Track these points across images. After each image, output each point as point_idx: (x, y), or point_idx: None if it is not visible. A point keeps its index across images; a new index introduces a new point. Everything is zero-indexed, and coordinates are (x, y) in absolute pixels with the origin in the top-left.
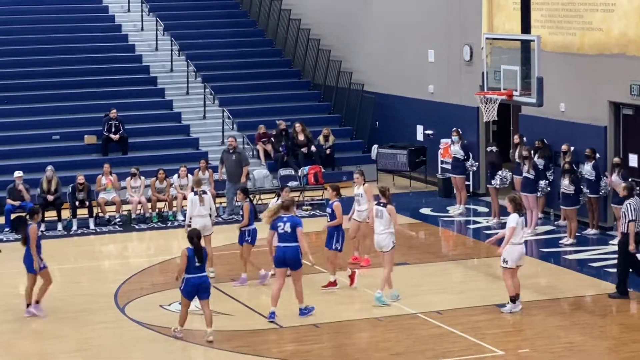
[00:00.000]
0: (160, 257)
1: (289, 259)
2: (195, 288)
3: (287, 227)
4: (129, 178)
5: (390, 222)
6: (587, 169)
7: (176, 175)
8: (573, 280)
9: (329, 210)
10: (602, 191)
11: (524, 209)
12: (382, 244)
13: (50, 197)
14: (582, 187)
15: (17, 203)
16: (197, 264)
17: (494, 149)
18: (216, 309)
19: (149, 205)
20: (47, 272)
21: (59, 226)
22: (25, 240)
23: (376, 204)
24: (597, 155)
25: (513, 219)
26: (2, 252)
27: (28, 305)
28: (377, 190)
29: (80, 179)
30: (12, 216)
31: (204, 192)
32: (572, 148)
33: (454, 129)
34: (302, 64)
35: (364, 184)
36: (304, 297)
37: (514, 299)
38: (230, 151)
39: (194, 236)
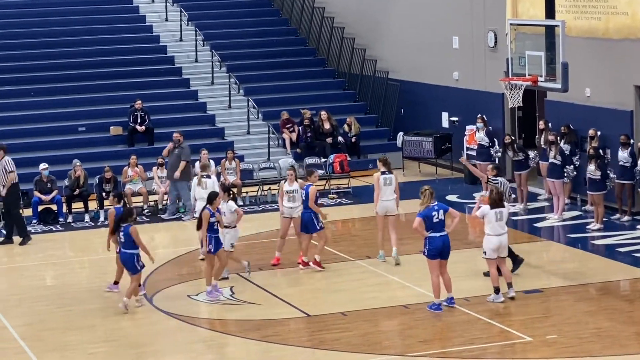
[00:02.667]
0: (187, 247)
1: (447, 247)
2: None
3: (441, 215)
4: (156, 168)
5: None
6: (623, 156)
7: (197, 162)
8: (601, 265)
9: (303, 193)
10: (638, 177)
11: (504, 201)
12: (391, 208)
13: (76, 192)
14: (608, 172)
15: (47, 198)
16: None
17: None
18: (245, 299)
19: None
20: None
21: (86, 217)
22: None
23: (381, 173)
24: (632, 141)
25: (482, 210)
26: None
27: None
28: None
29: (108, 174)
30: (40, 208)
31: (208, 176)
32: (598, 133)
33: (479, 115)
34: (326, 53)
35: (297, 180)
36: None
37: (497, 289)
38: (175, 145)
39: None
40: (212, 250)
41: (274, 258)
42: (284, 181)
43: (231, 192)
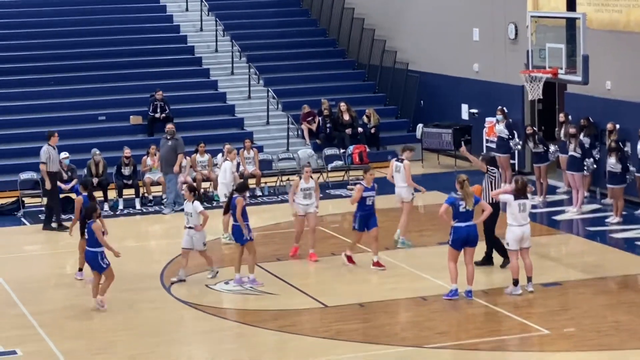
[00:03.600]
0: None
1: (472, 237)
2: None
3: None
4: (180, 159)
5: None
6: None
7: (220, 155)
8: (619, 259)
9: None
10: None
11: (529, 192)
12: (404, 195)
13: (95, 180)
14: (628, 165)
15: (67, 187)
16: None
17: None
18: (262, 289)
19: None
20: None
21: (106, 206)
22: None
23: (395, 160)
24: None
25: (506, 196)
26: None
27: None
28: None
29: (127, 152)
30: (60, 197)
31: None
32: (617, 126)
33: (499, 107)
34: (346, 44)
35: (312, 177)
36: None
37: (516, 282)
38: (168, 137)
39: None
40: (250, 238)
41: (294, 249)
42: (298, 178)
43: (196, 192)
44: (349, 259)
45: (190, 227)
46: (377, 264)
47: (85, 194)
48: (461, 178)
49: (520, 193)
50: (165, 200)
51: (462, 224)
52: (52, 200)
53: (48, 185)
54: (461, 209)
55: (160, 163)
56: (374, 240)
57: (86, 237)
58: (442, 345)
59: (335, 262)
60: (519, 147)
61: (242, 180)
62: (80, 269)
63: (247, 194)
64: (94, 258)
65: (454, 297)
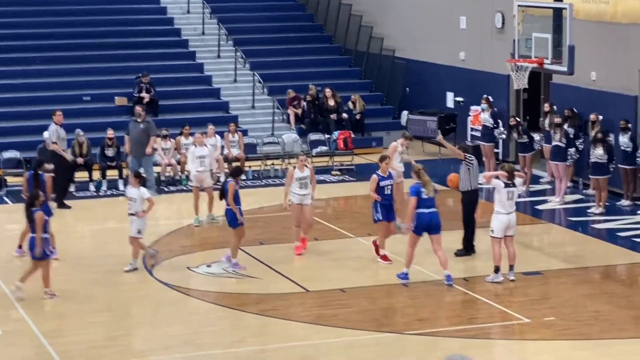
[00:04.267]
0: (188, 219)
1: (435, 223)
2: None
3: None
4: (160, 139)
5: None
6: (624, 141)
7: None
8: (601, 249)
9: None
10: (638, 161)
11: (518, 178)
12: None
13: (80, 160)
14: (614, 156)
15: (51, 167)
16: None
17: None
18: (245, 272)
19: (179, 167)
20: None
21: (91, 187)
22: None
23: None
24: (630, 125)
25: (497, 181)
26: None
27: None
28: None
29: (110, 133)
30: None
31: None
32: (600, 117)
33: (484, 96)
34: (333, 29)
35: (307, 166)
36: None
37: (497, 269)
38: (138, 120)
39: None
40: (242, 222)
41: (296, 248)
42: (293, 167)
43: (142, 178)
44: (384, 257)
45: (132, 214)
46: (384, 257)
47: (32, 171)
48: (416, 168)
49: (508, 179)
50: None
51: (426, 210)
52: (59, 178)
53: (69, 158)
54: (423, 196)
55: (132, 145)
56: (390, 233)
57: (30, 223)
58: (422, 332)
59: (317, 248)
60: (504, 136)
61: (235, 164)
62: (20, 246)
63: (241, 178)
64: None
65: (405, 280)
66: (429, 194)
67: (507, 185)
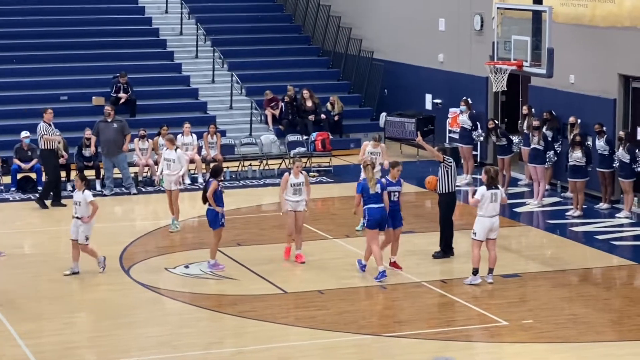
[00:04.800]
0: (165, 220)
1: (385, 217)
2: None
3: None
4: (137, 140)
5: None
6: (600, 145)
7: (180, 135)
8: (579, 252)
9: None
10: (614, 165)
11: (498, 183)
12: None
13: (62, 161)
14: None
15: (27, 166)
16: None
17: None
18: (222, 273)
19: (156, 168)
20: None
21: (68, 186)
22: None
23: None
24: (604, 128)
25: (479, 191)
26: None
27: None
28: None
29: (88, 133)
30: (19, 176)
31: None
32: (579, 120)
33: (463, 98)
34: (312, 30)
35: (302, 172)
36: None
37: (475, 271)
38: (109, 120)
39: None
40: (222, 224)
41: (295, 255)
42: (288, 173)
43: (87, 181)
44: (394, 264)
45: (77, 217)
46: (394, 264)
47: None
48: (365, 163)
49: (492, 183)
50: (107, 181)
51: (375, 206)
52: (51, 176)
53: (62, 153)
54: (371, 192)
55: (105, 146)
56: (396, 239)
57: None
58: (401, 334)
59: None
60: (482, 138)
61: (214, 164)
62: None
63: (221, 178)
64: None
65: (383, 278)
66: (372, 190)
67: (489, 187)
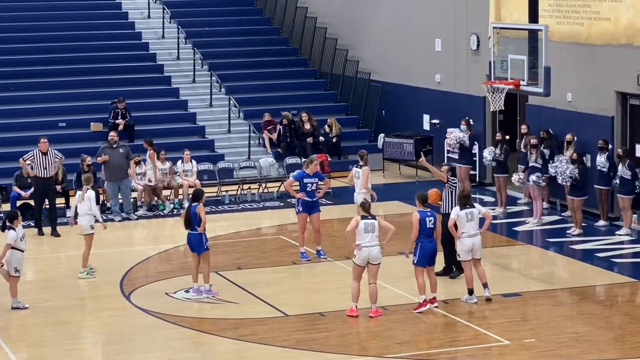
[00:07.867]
0: (165, 245)
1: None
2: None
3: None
4: (134, 165)
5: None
6: (600, 161)
7: (180, 161)
8: (580, 270)
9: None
10: (614, 182)
11: (471, 201)
12: (360, 200)
13: (58, 188)
14: (585, 177)
15: (26, 194)
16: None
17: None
18: (223, 297)
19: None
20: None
21: (68, 213)
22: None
23: (355, 167)
24: (610, 146)
25: (454, 211)
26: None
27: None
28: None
29: (88, 160)
30: (18, 203)
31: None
32: (575, 138)
33: (465, 118)
34: (308, 53)
35: None
36: None
37: (470, 291)
38: (114, 146)
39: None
40: (207, 247)
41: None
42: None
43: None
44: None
45: (15, 249)
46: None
47: None
48: (310, 160)
49: (465, 202)
50: (114, 207)
51: (309, 199)
52: (37, 204)
53: (32, 173)
54: (308, 188)
55: (111, 171)
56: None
57: None
58: (403, 356)
59: (295, 272)
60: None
61: (197, 188)
62: None
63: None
64: None
65: (305, 259)
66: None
67: (463, 207)
